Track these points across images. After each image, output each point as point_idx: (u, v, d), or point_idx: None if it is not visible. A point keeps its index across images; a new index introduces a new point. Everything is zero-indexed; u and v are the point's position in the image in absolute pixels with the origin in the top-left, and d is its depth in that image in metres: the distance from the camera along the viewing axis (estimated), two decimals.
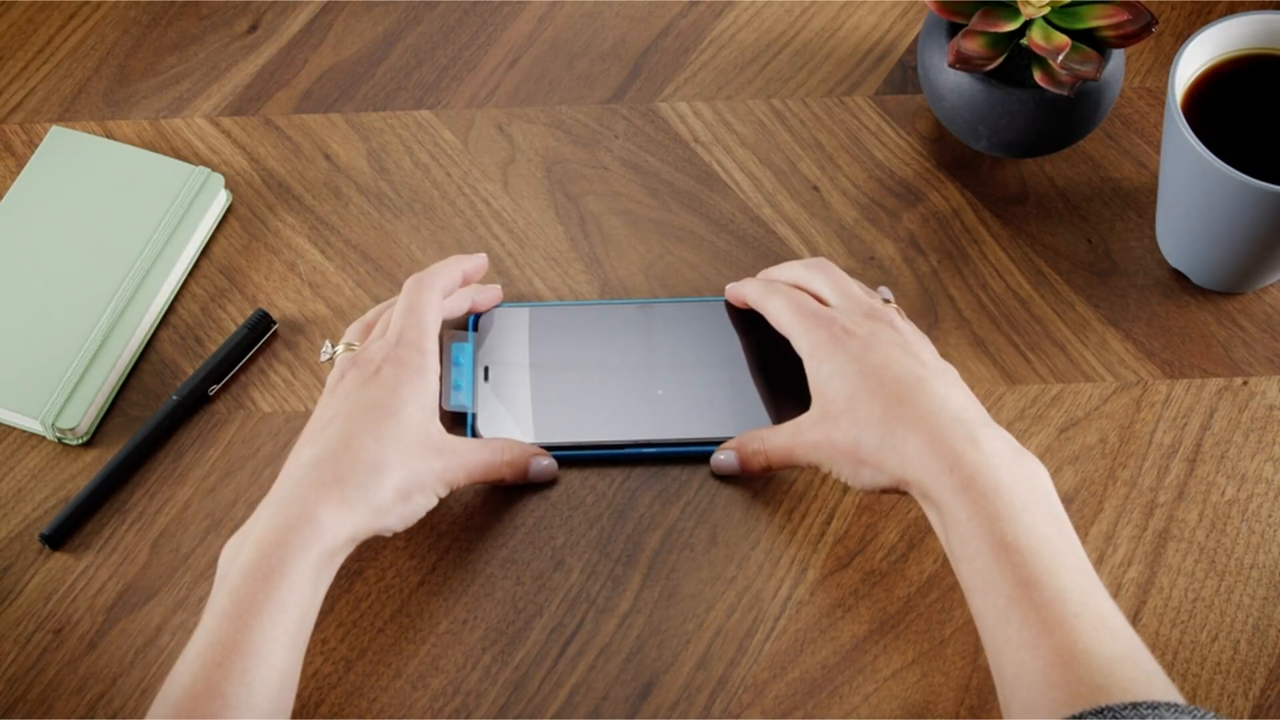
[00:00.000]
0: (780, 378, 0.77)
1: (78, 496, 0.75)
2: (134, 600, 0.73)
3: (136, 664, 0.71)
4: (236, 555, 0.65)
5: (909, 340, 0.72)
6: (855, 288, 0.75)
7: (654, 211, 0.84)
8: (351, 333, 0.76)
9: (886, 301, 0.75)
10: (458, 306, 0.78)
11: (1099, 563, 0.73)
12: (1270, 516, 0.75)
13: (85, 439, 0.77)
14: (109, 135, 0.87)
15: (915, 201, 0.84)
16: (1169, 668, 0.70)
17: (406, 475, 0.68)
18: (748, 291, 0.78)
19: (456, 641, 0.72)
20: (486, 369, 0.78)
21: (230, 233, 0.84)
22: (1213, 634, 0.72)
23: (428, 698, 0.70)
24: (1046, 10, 0.77)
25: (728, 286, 0.79)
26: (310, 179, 0.86)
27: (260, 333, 0.80)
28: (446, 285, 0.76)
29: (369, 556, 0.74)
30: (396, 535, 0.72)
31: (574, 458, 0.76)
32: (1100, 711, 0.56)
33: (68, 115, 0.88)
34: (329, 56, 0.90)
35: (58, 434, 0.76)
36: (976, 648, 0.71)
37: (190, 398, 0.78)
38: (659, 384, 0.77)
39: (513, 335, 0.79)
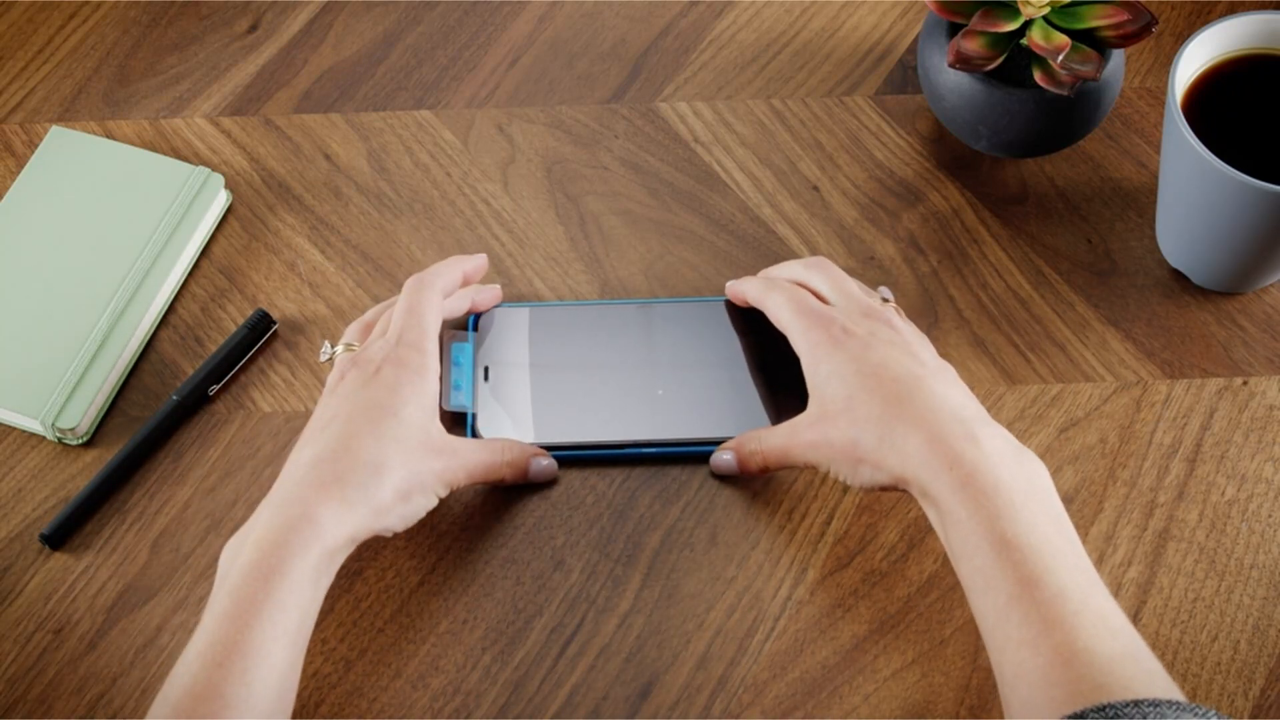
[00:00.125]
0: (780, 378, 0.77)
1: (78, 496, 0.75)
2: (134, 600, 0.73)
3: (136, 664, 0.71)
4: (236, 555, 0.65)
5: (908, 339, 0.72)
6: (854, 287, 0.75)
7: (654, 211, 0.84)
8: (351, 333, 0.76)
9: (886, 301, 0.75)
10: (458, 307, 0.78)
11: (1099, 563, 0.73)
12: (1270, 516, 0.75)
13: (85, 439, 0.77)
14: (109, 135, 0.87)
15: (915, 201, 0.84)
16: (1169, 668, 0.70)
17: (406, 475, 0.68)
18: (748, 289, 0.77)
19: (456, 641, 0.72)
20: (486, 369, 0.78)
21: (230, 233, 0.84)
22: (1213, 634, 0.72)
23: (428, 698, 0.70)
24: (1046, 10, 0.77)
25: (728, 284, 0.79)
26: (310, 179, 0.86)
27: (260, 333, 0.80)
28: (446, 285, 0.76)
29: (369, 556, 0.74)
30: (396, 535, 0.72)
31: (574, 458, 0.76)
32: (1102, 709, 0.56)
33: (68, 115, 0.88)
34: (329, 56, 0.90)
35: (58, 434, 0.76)
36: (976, 648, 0.71)
37: (190, 398, 0.78)
38: (659, 384, 0.77)
39: (513, 335, 0.79)
